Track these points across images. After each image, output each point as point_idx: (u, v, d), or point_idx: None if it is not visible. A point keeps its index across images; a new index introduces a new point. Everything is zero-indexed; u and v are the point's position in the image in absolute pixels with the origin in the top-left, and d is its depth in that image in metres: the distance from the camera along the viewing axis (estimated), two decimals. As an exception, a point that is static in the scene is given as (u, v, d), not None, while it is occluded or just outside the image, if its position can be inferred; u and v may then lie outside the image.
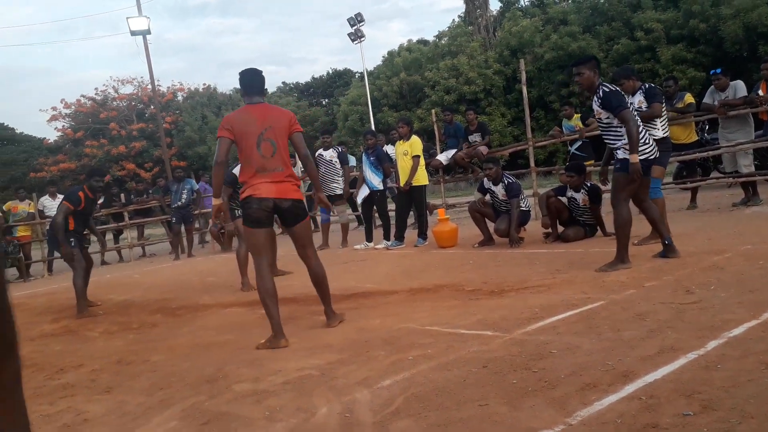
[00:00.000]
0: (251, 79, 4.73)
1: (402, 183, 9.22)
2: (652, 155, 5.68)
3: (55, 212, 13.24)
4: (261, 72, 4.83)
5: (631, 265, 5.52)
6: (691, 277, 4.78)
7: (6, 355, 0.68)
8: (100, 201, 14.63)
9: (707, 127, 10.69)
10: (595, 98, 5.72)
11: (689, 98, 9.15)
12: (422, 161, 9.36)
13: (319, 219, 14.28)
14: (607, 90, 5.61)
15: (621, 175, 5.62)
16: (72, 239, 7.06)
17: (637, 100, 6.78)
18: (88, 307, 7.03)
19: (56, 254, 13.78)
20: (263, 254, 4.62)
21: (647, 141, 5.67)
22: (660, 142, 6.42)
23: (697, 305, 3.96)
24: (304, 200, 5.16)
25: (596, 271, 5.55)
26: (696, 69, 25.12)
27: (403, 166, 9.23)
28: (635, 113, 5.88)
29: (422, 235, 9.44)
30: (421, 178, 9.30)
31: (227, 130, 4.53)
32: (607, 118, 5.66)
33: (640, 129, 5.65)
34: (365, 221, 10.54)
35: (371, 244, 9.87)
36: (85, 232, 7.47)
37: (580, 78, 5.81)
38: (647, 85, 6.96)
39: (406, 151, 9.21)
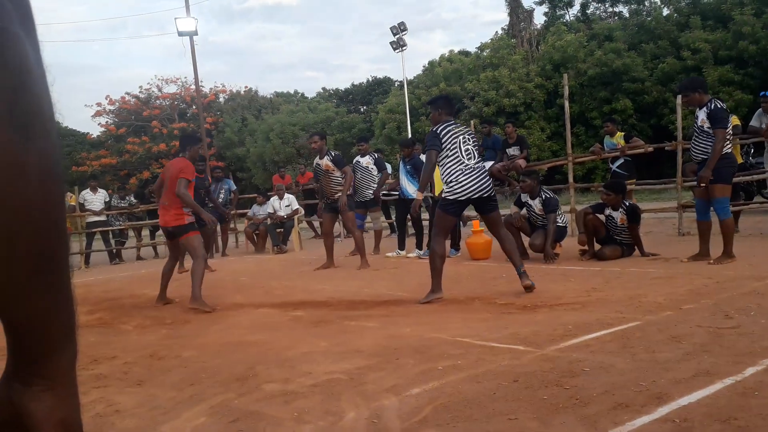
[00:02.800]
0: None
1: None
2: (463, 196, 5.78)
3: (94, 206, 13.58)
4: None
5: (442, 295, 5.90)
6: (731, 302, 4.68)
7: (67, 338, 0.70)
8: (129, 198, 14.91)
9: (752, 150, 10.48)
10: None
11: (735, 120, 8.98)
12: None
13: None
14: (430, 131, 6.09)
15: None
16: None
17: (701, 118, 6.51)
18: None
19: (94, 247, 14.06)
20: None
21: (460, 181, 5.78)
22: (722, 159, 6.34)
23: (735, 330, 3.87)
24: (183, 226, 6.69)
25: (419, 303, 5.82)
26: (743, 91, 24.63)
27: (439, 176, 9.20)
28: (699, 129, 6.45)
29: (455, 246, 9.40)
30: None
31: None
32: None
33: (457, 170, 5.80)
34: (398, 229, 10.54)
35: (403, 253, 9.86)
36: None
37: (686, 99, 6.52)
38: (713, 105, 6.49)
39: None
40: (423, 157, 10.74)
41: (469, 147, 5.93)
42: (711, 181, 6.44)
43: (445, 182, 5.80)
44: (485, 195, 5.83)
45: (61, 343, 0.70)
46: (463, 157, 5.84)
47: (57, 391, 0.70)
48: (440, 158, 5.87)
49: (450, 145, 5.85)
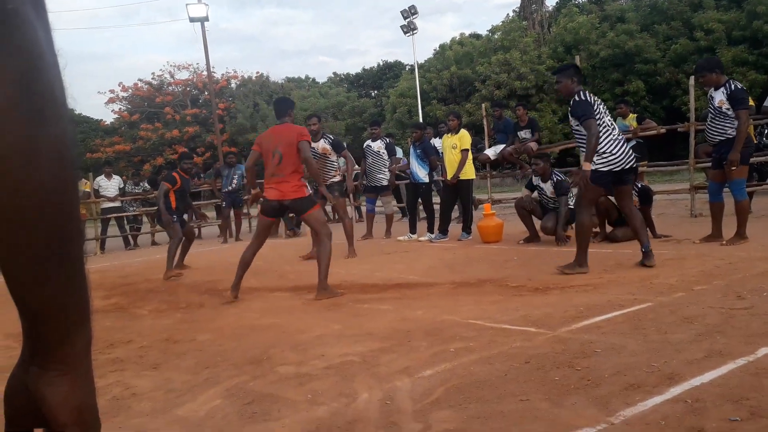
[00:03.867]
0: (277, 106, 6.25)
1: (449, 176, 9.19)
2: (618, 166, 5.66)
3: (108, 192, 13.67)
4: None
5: (588, 270, 5.70)
6: (743, 283, 4.67)
7: (81, 323, 0.71)
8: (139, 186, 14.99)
9: (766, 131, 10.38)
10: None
11: (749, 101, 8.88)
12: (470, 155, 9.32)
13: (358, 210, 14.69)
14: (578, 99, 5.73)
15: (579, 181, 5.73)
16: (174, 215, 8.43)
17: (718, 99, 6.45)
18: (171, 271, 8.04)
19: (109, 233, 14.18)
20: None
21: (615, 152, 5.65)
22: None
23: (747, 311, 3.87)
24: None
25: (556, 270, 5.82)
26: (757, 71, 24.36)
27: (451, 160, 9.20)
28: (717, 111, 6.36)
29: (466, 229, 9.40)
30: (469, 172, 9.26)
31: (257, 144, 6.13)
32: (577, 125, 5.78)
33: (609, 140, 5.67)
34: (409, 213, 10.55)
35: (415, 236, 9.87)
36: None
37: (558, 86, 6.03)
38: (733, 86, 6.41)
39: (455, 144, 9.17)
40: (435, 141, 10.78)
41: (609, 117, 5.90)
42: (728, 162, 6.40)
43: (599, 153, 5.64)
44: (633, 165, 5.80)
45: (76, 328, 0.71)
46: (611, 128, 5.78)
47: (72, 376, 0.71)
48: (581, 128, 5.71)
49: (601, 114, 5.76)
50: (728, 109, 6.35)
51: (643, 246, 5.76)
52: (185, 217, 8.91)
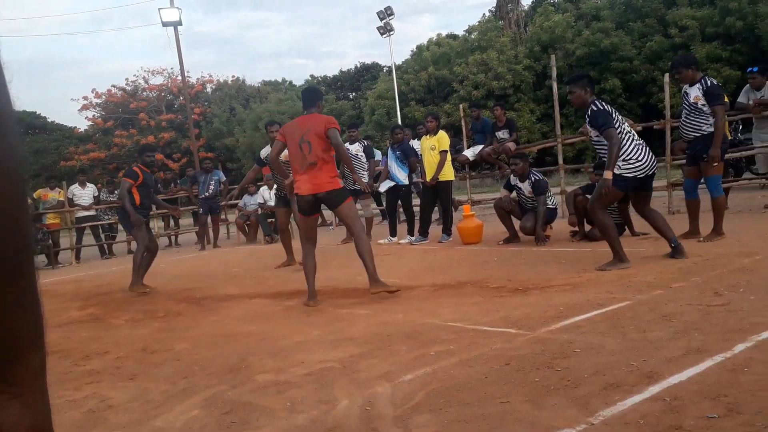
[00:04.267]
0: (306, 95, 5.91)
1: (428, 178, 9.20)
2: (643, 172, 5.70)
3: (83, 200, 13.50)
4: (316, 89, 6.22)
5: (630, 264, 5.62)
6: (720, 279, 4.70)
7: (33, 343, 0.68)
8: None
9: (741, 127, 10.51)
10: (586, 116, 5.88)
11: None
12: (449, 156, 9.33)
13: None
14: (595, 109, 5.72)
15: (599, 186, 5.73)
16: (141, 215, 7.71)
17: (693, 95, 6.50)
18: (141, 285, 7.43)
19: (84, 242, 14.00)
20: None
21: (639, 158, 5.68)
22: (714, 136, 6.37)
23: (725, 307, 3.89)
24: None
25: (596, 270, 5.71)
26: (731, 68, 24.70)
27: (430, 161, 9.20)
28: (692, 107, 6.38)
29: (447, 230, 9.41)
30: (448, 173, 9.26)
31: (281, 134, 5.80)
32: (597, 135, 5.80)
33: (631, 147, 5.69)
34: (389, 216, 10.54)
35: (395, 239, 9.86)
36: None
37: (571, 96, 5.97)
38: (709, 82, 6.49)
39: (433, 146, 9.18)
40: (413, 143, 10.77)
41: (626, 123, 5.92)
42: (703, 159, 6.45)
43: (624, 159, 5.64)
44: (655, 171, 5.83)
45: (29, 349, 0.68)
46: (631, 133, 5.79)
47: (25, 397, 0.69)
48: (602, 138, 5.71)
49: (620, 122, 5.76)
50: (704, 105, 6.41)
51: (671, 242, 5.81)
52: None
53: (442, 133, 9.30)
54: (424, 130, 9.75)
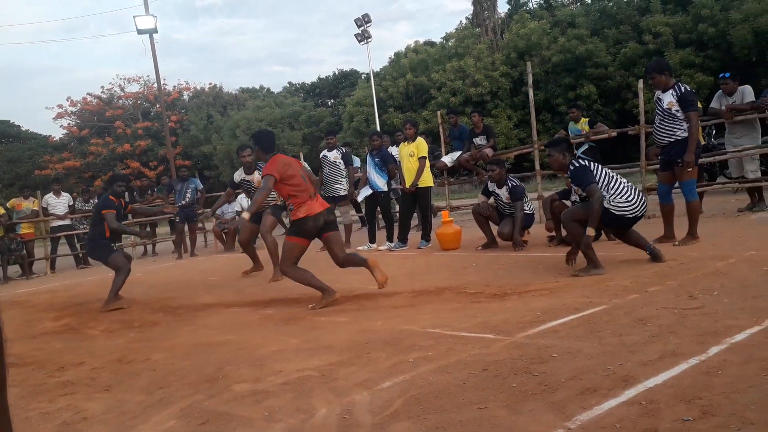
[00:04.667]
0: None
1: (408, 184, 9.21)
2: (632, 213, 5.86)
3: (58, 210, 13.31)
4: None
5: (605, 270, 5.68)
6: (695, 283, 4.75)
7: None
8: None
9: (714, 132, 10.65)
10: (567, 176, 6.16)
11: (696, 103, 9.10)
12: (428, 162, 9.34)
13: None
14: (573, 168, 5.93)
15: (577, 208, 5.99)
16: (112, 244, 7.56)
17: (667, 101, 6.57)
18: (116, 302, 7.10)
19: (59, 251, 13.81)
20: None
21: (630, 199, 5.84)
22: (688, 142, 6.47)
23: (699, 311, 3.93)
24: None
25: (571, 275, 5.78)
26: (704, 73, 25.05)
27: (409, 168, 9.21)
28: (665, 112, 6.55)
29: (426, 237, 9.42)
30: (427, 179, 9.28)
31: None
32: (581, 193, 6.04)
33: (625, 188, 5.89)
34: (368, 223, 10.52)
35: (374, 246, 9.85)
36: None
37: (550, 159, 6.23)
38: (682, 88, 6.56)
39: (412, 152, 9.19)
40: (392, 150, 10.77)
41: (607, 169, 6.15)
42: (678, 164, 6.53)
43: (627, 200, 5.82)
44: (643, 214, 6.03)
45: None
46: (619, 177, 6.01)
47: None
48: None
49: (601, 174, 5.93)
50: (678, 111, 6.49)
51: (647, 249, 5.94)
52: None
53: (420, 140, 9.32)
54: (402, 136, 9.75)
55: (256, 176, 8.43)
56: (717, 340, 3.28)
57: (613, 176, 5.97)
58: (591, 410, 2.58)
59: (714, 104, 9.01)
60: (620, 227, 6.11)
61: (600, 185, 5.81)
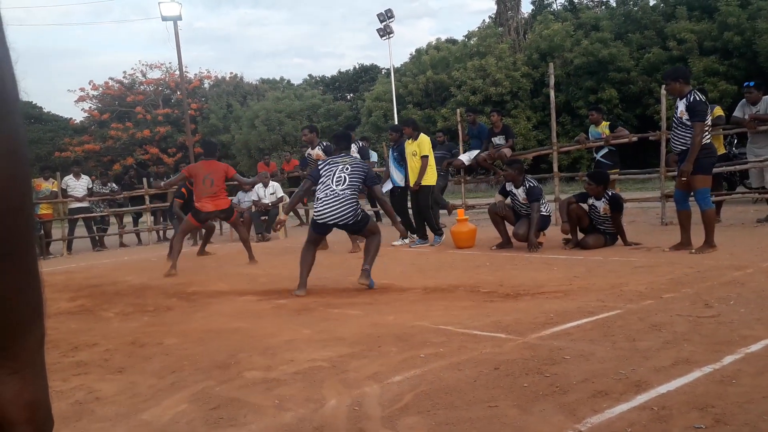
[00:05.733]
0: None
1: (411, 183, 9.23)
2: None
3: (77, 192, 13.44)
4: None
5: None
6: (711, 291, 4.72)
7: (34, 320, 0.70)
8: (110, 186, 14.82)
9: (735, 141, 10.56)
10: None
11: (718, 111, 9.04)
12: (432, 161, 9.31)
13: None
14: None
15: None
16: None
17: (680, 109, 6.54)
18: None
19: (76, 233, 13.95)
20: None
21: None
22: (702, 149, 6.39)
23: (715, 319, 3.91)
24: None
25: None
26: (728, 82, 24.76)
27: (412, 166, 9.25)
28: (678, 121, 6.52)
29: (422, 235, 9.38)
30: (429, 178, 9.26)
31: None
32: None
33: None
34: (400, 216, 10.38)
35: (406, 241, 9.59)
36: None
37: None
38: (692, 97, 6.49)
39: (414, 151, 9.22)
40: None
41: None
42: (691, 172, 6.49)
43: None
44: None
45: (29, 325, 0.70)
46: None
47: (24, 373, 0.70)
48: None
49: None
50: (688, 119, 6.46)
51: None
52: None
53: (422, 138, 9.30)
54: (395, 137, 9.84)
55: (317, 151, 9.87)
56: (731, 350, 3.26)
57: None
58: (602, 413, 2.57)
59: (737, 113, 8.92)
60: None
61: None
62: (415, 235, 9.64)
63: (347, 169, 6.11)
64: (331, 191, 5.99)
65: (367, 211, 10.98)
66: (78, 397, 3.38)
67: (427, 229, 9.55)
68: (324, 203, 5.99)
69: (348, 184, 6.00)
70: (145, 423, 2.94)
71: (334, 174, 6.06)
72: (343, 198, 5.96)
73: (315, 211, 6.06)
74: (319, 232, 6.26)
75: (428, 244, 9.34)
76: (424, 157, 9.11)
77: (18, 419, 0.69)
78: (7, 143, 0.62)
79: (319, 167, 6.24)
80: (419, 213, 9.58)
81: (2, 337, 0.68)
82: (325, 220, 6.00)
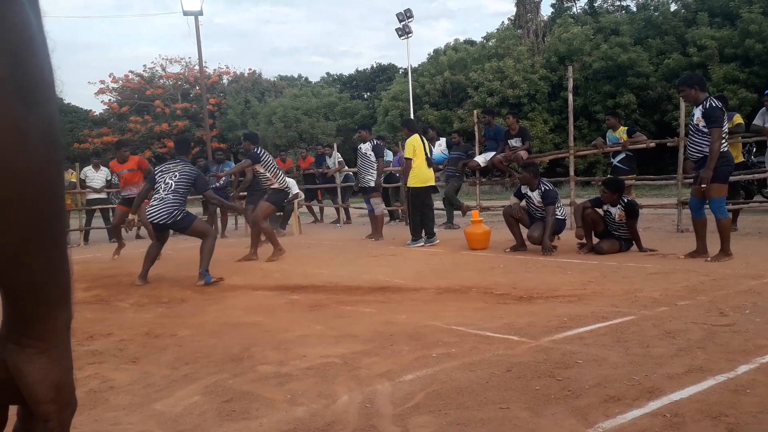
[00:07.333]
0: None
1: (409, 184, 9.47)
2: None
3: (95, 183, 13.55)
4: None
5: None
6: (726, 300, 4.69)
7: (62, 301, 0.72)
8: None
9: (754, 149, 10.47)
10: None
11: (738, 119, 8.96)
12: (419, 162, 9.32)
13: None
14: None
15: None
16: None
17: (696, 116, 6.49)
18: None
19: (93, 224, 14.06)
20: None
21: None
22: (720, 157, 6.33)
23: (729, 328, 3.88)
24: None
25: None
26: (748, 89, 24.52)
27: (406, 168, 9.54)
28: (695, 128, 6.50)
29: (415, 236, 9.35)
30: (414, 180, 9.30)
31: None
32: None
33: None
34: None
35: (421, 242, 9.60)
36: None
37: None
38: (708, 104, 6.42)
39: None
40: (440, 142, 10.87)
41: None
42: (698, 180, 6.45)
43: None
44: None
45: (57, 306, 0.72)
46: None
47: (51, 353, 0.72)
48: None
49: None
50: (704, 126, 6.41)
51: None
52: None
53: (408, 140, 9.41)
54: (432, 133, 9.89)
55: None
56: (746, 359, 3.24)
57: None
58: (614, 418, 2.57)
59: (757, 121, 8.85)
60: None
61: None
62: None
63: (175, 176, 6.99)
64: (158, 195, 6.92)
65: (380, 211, 11.05)
66: (92, 386, 3.41)
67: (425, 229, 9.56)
68: (151, 205, 6.94)
69: (173, 190, 6.89)
70: (158, 413, 2.97)
71: (164, 180, 6.96)
72: (165, 201, 6.85)
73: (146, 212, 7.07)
74: (156, 229, 7.20)
75: (420, 245, 9.30)
76: (407, 160, 9.27)
77: (43, 398, 0.71)
78: (46, 128, 0.64)
79: (155, 173, 7.18)
80: (408, 213, 9.68)
81: (33, 318, 0.70)
82: (151, 220, 6.92)
